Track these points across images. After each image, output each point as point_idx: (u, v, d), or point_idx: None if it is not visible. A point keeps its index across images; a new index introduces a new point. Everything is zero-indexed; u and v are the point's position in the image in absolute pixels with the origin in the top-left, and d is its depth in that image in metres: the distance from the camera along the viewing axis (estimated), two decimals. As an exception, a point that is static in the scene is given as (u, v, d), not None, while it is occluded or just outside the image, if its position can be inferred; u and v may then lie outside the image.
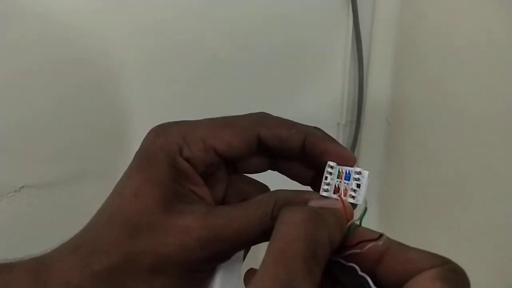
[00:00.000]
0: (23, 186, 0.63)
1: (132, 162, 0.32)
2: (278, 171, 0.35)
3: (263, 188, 0.35)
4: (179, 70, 0.67)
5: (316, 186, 0.31)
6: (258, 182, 0.36)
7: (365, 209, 0.29)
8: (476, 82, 0.60)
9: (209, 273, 0.32)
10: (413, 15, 0.72)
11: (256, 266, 0.25)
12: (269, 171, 0.35)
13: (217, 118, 0.32)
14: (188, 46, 0.67)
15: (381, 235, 0.27)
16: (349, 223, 0.28)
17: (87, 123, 0.64)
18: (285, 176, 0.34)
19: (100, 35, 0.61)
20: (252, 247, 0.32)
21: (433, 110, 0.69)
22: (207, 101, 0.69)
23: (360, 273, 0.26)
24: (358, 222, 0.28)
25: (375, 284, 0.25)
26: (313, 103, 0.77)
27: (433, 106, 0.69)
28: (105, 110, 0.65)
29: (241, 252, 0.32)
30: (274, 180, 0.35)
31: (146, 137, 0.32)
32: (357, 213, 0.29)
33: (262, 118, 0.32)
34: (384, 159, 0.83)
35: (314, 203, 0.29)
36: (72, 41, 0.61)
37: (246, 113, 0.33)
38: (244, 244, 0.31)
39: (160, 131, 0.31)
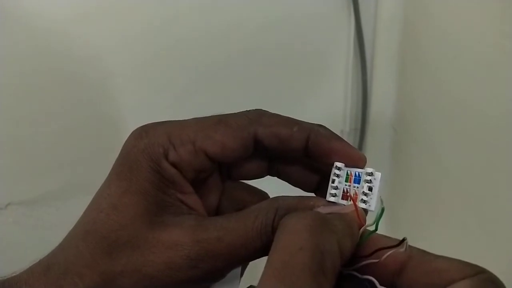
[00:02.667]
0: (9, 203, 0.60)
1: (111, 169, 0.28)
2: (278, 177, 0.31)
3: (263, 195, 0.32)
4: (174, 77, 0.65)
5: (322, 193, 0.28)
6: (257, 189, 0.32)
7: (382, 210, 0.25)
8: (484, 86, 0.57)
9: None
10: (417, 18, 0.69)
11: (256, 283, 0.21)
12: (269, 177, 0.31)
13: (208, 116, 0.28)
14: (183, 51, 0.64)
15: (402, 241, 0.23)
16: (361, 229, 0.24)
17: (76, 135, 0.61)
18: (286, 183, 0.31)
19: (90, 42, 0.59)
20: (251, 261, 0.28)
21: (441, 116, 0.67)
22: (204, 108, 0.65)
23: (378, 287, 0.22)
24: (373, 228, 0.24)
25: None
26: (314, 110, 0.75)
27: (441, 111, 0.67)
28: (94, 121, 0.62)
29: (238, 269, 0.28)
30: (274, 187, 0.31)
31: (127, 139, 0.28)
32: (370, 219, 0.25)
33: (259, 115, 0.28)
34: (390, 167, 0.80)
35: (321, 210, 0.26)
36: (60, 50, 0.58)
37: None
38: (241, 260, 0.27)
39: (142, 132, 0.28)
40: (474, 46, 0.58)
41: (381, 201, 0.25)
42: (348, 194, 0.26)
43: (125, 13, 0.60)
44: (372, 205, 0.26)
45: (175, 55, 0.64)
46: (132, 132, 0.28)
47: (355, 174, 0.27)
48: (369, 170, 0.26)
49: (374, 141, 0.80)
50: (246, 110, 0.29)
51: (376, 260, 0.23)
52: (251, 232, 0.26)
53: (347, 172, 0.27)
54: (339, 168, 0.27)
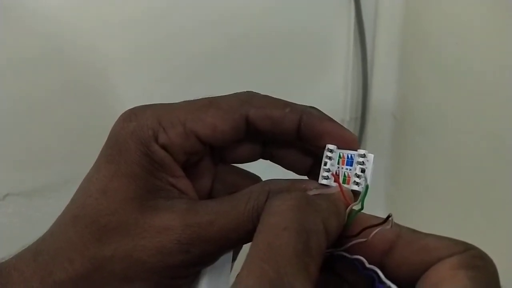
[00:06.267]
0: (7, 194, 0.60)
1: (100, 153, 0.28)
2: (271, 160, 0.31)
3: (256, 179, 0.31)
4: (172, 66, 0.64)
5: (315, 176, 0.27)
6: (250, 173, 0.32)
7: (367, 188, 0.25)
8: (488, 75, 0.56)
9: (193, 279, 0.28)
10: (418, 5, 0.69)
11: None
12: (262, 160, 0.31)
13: (198, 99, 0.28)
14: (181, 39, 0.63)
15: (387, 218, 0.23)
16: (348, 209, 0.24)
17: (75, 125, 0.61)
18: (279, 166, 0.30)
19: (87, 31, 0.58)
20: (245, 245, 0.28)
21: (441, 104, 0.66)
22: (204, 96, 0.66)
23: (367, 265, 0.22)
24: (359, 206, 0.24)
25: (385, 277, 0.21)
26: (314, 98, 0.74)
27: (441, 99, 0.66)
28: (93, 110, 0.62)
29: (230, 253, 0.28)
30: (267, 170, 0.31)
31: (115, 122, 0.28)
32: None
33: (250, 97, 0.28)
34: (391, 157, 0.80)
35: (312, 193, 0.25)
36: (61, 41, 0.57)
37: None
38: (233, 244, 0.26)
39: (131, 115, 0.27)
40: (477, 33, 0.57)
41: (365, 179, 0.25)
42: (336, 174, 0.26)
43: (124, 2, 0.59)
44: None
45: (175, 43, 0.63)
46: (121, 115, 0.28)
47: (348, 156, 0.26)
48: (362, 152, 0.26)
49: (375, 130, 0.79)
50: (237, 92, 0.28)
51: (364, 239, 0.23)
52: (243, 216, 0.25)
53: (339, 155, 0.26)
54: (331, 151, 0.26)
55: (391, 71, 0.75)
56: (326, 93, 0.76)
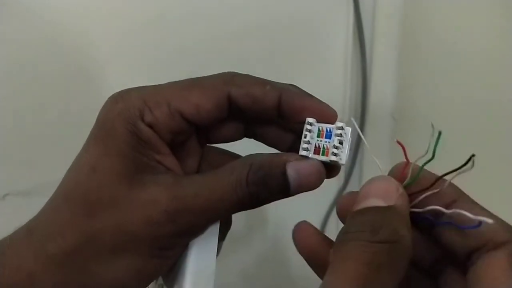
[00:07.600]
0: (7, 194, 0.60)
1: (89, 134, 0.29)
2: (255, 138, 0.32)
3: None
4: (170, 62, 0.64)
5: (297, 151, 0.28)
6: (235, 154, 0.33)
7: (439, 134, 0.28)
8: (485, 74, 0.57)
9: (181, 250, 0.29)
10: (417, 5, 0.69)
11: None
12: (246, 141, 0.31)
13: (182, 80, 0.29)
14: (178, 37, 0.64)
15: (469, 159, 0.25)
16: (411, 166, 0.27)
17: (74, 122, 0.61)
18: (263, 145, 0.31)
19: (84, 30, 0.59)
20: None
21: (442, 104, 0.66)
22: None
23: (445, 211, 0.25)
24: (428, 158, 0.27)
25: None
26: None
27: (441, 100, 0.66)
28: (93, 108, 0.62)
29: (217, 225, 0.29)
30: (251, 150, 0.31)
31: (103, 105, 0.29)
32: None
33: (232, 76, 0.29)
34: (390, 159, 0.79)
35: (292, 166, 0.26)
36: (55, 38, 0.58)
37: None
38: (218, 215, 0.28)
39: (118, 97, 0.29)
40: (476, 32, 0.57)
41: (432, 125, 0.27)
42: (317, 146, 0.27)
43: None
44: (343, 158, 0.27)
45: (170, 35, 0.63)
46: (109, 98, 0.29)
47: (327, 129, 0.27)
48: (340, 124, 0.27)
49: (374, 131, 0.79)
50: (219, 73, 0.29)
51: (437, 190, 0.26)
52: (227, 187, 0.26)
53: (318, 128, 0.27)
54: (310, 124, 0.27)
55: (390, 72, 0.75)
56: (325, 94, 0.74)
